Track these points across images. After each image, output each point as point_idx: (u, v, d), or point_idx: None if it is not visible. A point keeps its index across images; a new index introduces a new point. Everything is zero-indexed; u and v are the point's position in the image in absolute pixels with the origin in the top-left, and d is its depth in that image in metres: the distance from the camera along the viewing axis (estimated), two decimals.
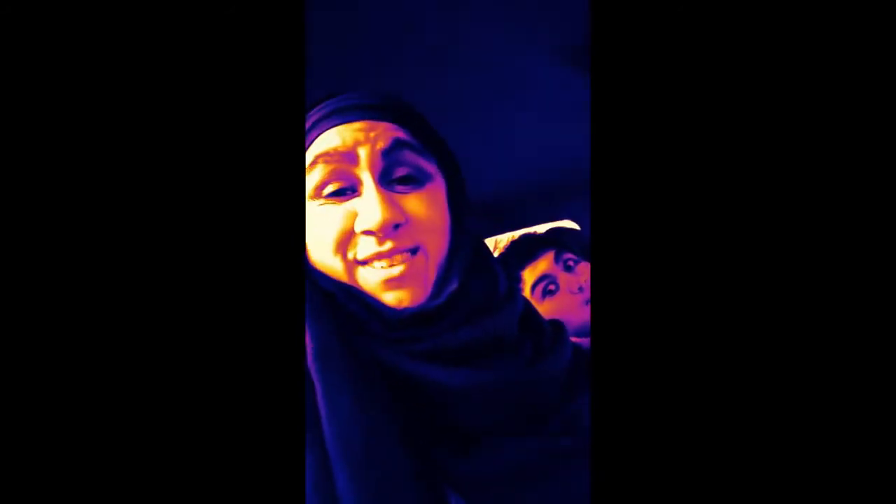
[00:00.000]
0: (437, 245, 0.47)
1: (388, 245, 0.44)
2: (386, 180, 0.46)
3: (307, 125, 0.49)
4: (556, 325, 0.54)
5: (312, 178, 0.47)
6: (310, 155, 0.47)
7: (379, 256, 0.45)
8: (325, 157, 0.46)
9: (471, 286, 0.48)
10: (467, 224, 0.52)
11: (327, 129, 0.47)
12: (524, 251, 1.08)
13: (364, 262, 0.45)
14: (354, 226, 0.45)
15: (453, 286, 0.47)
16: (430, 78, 0.81)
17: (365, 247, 0.45)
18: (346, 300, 0.46)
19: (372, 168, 0.46)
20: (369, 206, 0.44)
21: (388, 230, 0.44)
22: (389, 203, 0.45)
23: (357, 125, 0.47)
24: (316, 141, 0.47)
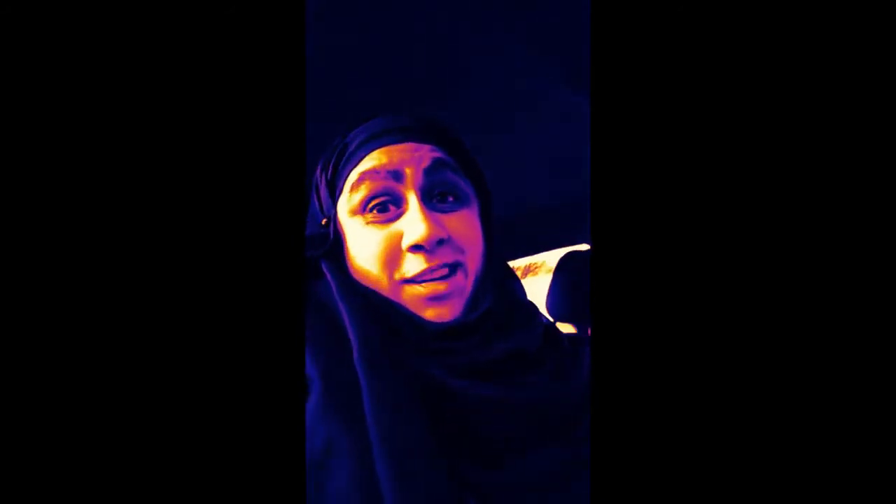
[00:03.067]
0: (474, 263, 0.49)
1: (436, 261, 0.46)
2: (428, 199, 0.49)
3: (352, 147, 0.52)
4: (575, 340, 0.56)
5: (357, 195, 0.49)
6: (355, 174, 0.49)
7: (425, 273, 0.46)
8: (371, 174, 0.48)
9: (502, 302, 0.50)
10: (496, 244, 0.54)
11: (374, 149, 0.49)
12: None
13: (412, 281, 0.47)
14: (401, 244, 0.47)
15: (487, 303, 0.49)
16: (435, 102, 0.82)
17: (413, 264, 0.47)
18: (385, 309, 0.48)
19: (416, 186, 0.48)
20: (415, 221, 0.46)
21: (433, 244, 0.46)
22: (432, 217, 0.47)
23: (402, 146, 0.49)
24: (363, 160, 0.49)
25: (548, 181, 1.21)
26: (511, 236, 1.48)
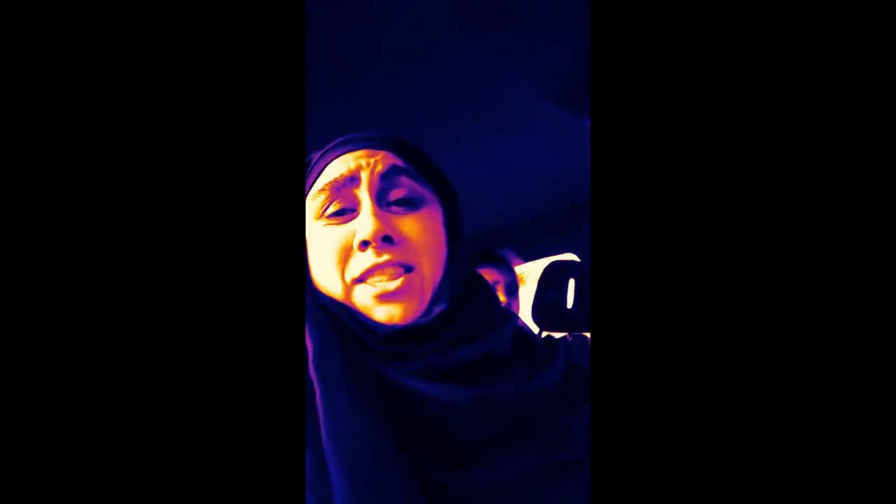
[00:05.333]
0: (432, 266, 0.50)
1: (385, 258, 0.47)
2: (383, 201, 0.50)
3: (314, 161, 0.54)
4: (550, 342, 0.56)
5: (317, 201, 0.51)
6: (319, 184, 0.52)
7: (374, 270, 0.47)
8: (331, 183, 0.50)
9: (465, 309, 0.51)
10: (462, 250, 0.55)
11: (334, 158, 0.52)
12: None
13: (360, 280, 0.48)
14: (353, 242, 0.48)
15: (442, 307, 0.50)
16: (432, 114, 0.84)
17: (361, 262, 0.48)
18: (341, 314, 0.49)
19: (370, 189, 0.50)
20: (364, 218, 0.48)
21: (379, 240, 0.47)
22: (382, 216, 0.48)
23: (359, 152, 0.52)
24: (325, 170, 0.52)
25: (538, 193, 1.23)
26: (504, 245, 1.50)
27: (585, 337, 0.54)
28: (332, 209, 0.50)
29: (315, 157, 0.54)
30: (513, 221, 1.38)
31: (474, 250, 1.28)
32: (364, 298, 0.48)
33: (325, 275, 0.49)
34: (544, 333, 0.99)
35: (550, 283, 1.41)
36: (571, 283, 1.39)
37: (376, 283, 0.48)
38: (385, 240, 0.47)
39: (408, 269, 0.48)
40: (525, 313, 1.24)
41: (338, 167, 0.51)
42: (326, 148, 0.54)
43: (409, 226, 0.49)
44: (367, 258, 0.47)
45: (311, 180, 0.53)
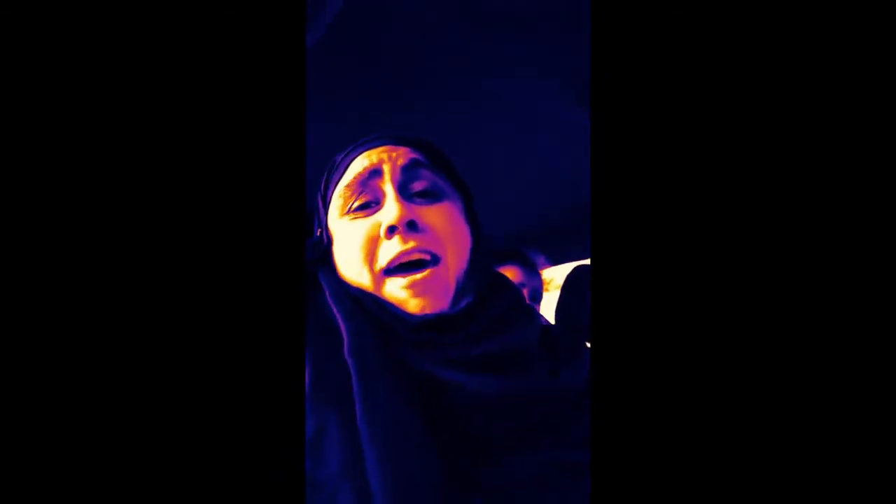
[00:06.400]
0: (456, 257, 0.51)
1: (411, 244, 0.48)
2: (406, 193, 0.52)
3: (338, 161, 0.56)
4: (576, 341, 0.57)
5: (342, 198, 0.53)
6: (343, 182, 0.54)
7: (402, 256, 0.48)
8: (355, 178, 0.52)
9: (491, 301, 0.52)
10: (485, 244, 0.56)
11: (356, 156, 0.54)
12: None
13: (389, 269, 0.49)
14: (379, 231, 0.50)
15: (469, 298, 0.51)
16: (442, 120, 0.85)
17: (389, 249, 0.49)
18: (372, 306, 0.50)
19: (393, 180, 0.52)
20: (389, 206, 0.50)
21: (404, 225, 0.48)
22: (407, 205, 0.50)
23: (381, 148, 0.54)
24: (348, 167, 0.54)
25: (555, 195, 1.23)
26: (517, 245, 1.50)
27: None
28: (356, 203, 0.52)
29: (339, 157, 0.56)
30: (521, 223, 1.38)
31: (502, 250, 1.28)
32: (393, 289, 0.49)
33: (354, 267, 0.51)
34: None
35: (574, 287, 1.40)
36: None
37: (407, 276, 0.49)
38: (410, 225, 0.49)
39: (434, 258, 0.49)
40: (549, 315, 1.24)
41: (361, 162, 0.53)
42: (349, 149, 0.56)
43: (432, 216, 0.51)
44: (394, 245, 0.49)
45: (335, 180, 0.55)
